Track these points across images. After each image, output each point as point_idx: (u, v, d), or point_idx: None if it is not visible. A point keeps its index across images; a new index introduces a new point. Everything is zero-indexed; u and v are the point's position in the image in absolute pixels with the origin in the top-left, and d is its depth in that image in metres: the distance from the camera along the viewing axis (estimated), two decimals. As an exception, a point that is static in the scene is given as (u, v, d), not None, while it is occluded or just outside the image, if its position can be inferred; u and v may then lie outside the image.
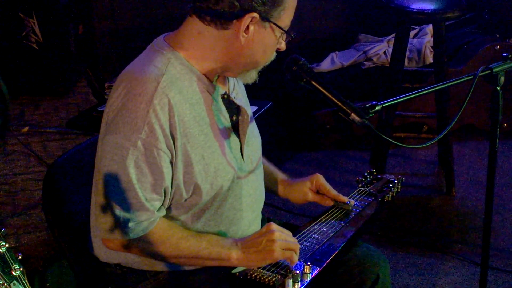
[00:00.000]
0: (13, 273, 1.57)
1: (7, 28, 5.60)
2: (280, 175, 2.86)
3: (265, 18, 2.29)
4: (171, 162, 2.31)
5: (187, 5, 2.36)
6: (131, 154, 2.24)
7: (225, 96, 2.45)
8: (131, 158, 2.25)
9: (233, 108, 2.47)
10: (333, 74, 5.69)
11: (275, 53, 2.43)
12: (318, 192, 2.80)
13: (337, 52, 5.86)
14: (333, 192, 2.79)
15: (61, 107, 5.69)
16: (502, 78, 2.74)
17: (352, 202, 2.79)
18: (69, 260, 2.63)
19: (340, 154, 5.50)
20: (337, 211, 2.76)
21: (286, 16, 2.34)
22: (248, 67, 2.41)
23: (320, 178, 2.80)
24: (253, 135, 2.58)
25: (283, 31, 2.35)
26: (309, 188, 2.79)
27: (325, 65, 5.74)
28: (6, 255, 1.57)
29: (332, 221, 2.69)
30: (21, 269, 1.58)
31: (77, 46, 5.76)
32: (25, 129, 5.25)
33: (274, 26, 2.32)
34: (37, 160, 4.89)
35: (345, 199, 2.78)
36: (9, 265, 1.57)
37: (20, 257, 1.59)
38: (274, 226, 2.40)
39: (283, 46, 2.41)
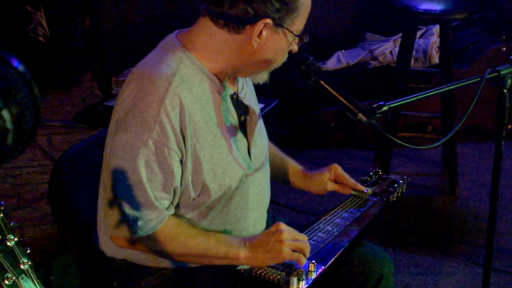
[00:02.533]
0: (22, 266, 1.58)
1: (15, 21, 5.60)
2: (300, 167, 2.89)
3: (278, 24, 2.29)
4: (181, 162, 2.31)
5: (198, 4, 2.36)
6: (142, 153, 2.25)
7: (234, 96, 2.46)
8: (142, 157, 2.25)
9: (241, 108, 2.48)
10: (338, 72, 5.69)
11: (286, 55, 2.43)
12: (336, 182, 2.83)
13: (343, 51, 5.85)
14: (352, 181, 2.83)
15: (66, 100, 5.70)
16: (510, 81, 2.74)
17: (370, 191, 2.85)
18: (74, 254, 2.63)
19: (344, 153, 5.50)
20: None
21: (299, 22, 2.35)
22: (259, 69, 2.42)
23: (338, 168, 2.83)
24: (259, 135, 2.58)
25: (296, 36, 2.36)
26: (328, 178, 2.82)
27: (331, 64, 5.74)
28: (14, 249, 1.57)
29: (337, 220, 2.70)
30: (29, 262, 1.59)
31: (83, 40, 5.76)
32: (31, 122, 5.25)
33: (287, 31, 2.32)
34: (42, 153, 4.90)
35: (362, 188, 2.83)
36: (18, 259, 1.58)
37: (28, 251, 1.60)
38: (282, 225, 2.40)
39: (295, 48, 2.42)
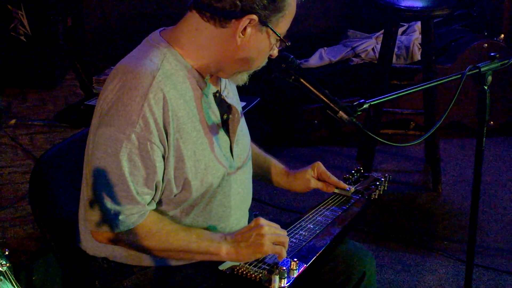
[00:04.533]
0: (0, 268, 1.57)
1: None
2: (282, 166, 2.90)
3: (263, 22, 2.30)
4: (163, 157, 2.31)
5: (187, 1, 2.36)
6: (125, 147, 2.24)
7: (217, 94, 2.46)
8: (124, 151, 2.25)
9: (224, 107, 2.48)
10: (321, 70, 5.70)
11: (266, 59, 2.43)
12: (319, 179, 2.85)
13: (325, 48, 5.86)
14: (334, 178, 2.84)
15: (48, 99, 5.67)
16: (490, 78, 2.75)
17: (352, 188, 2.86)
18: (56, 254, 2.62)
19: (327, 150, 5.51)
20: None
21: (283, 23, 2.35)
22: (240, 69, 2.42)
23: (321, 166, 2.85)
24: (242, 133, 2.59)
25: (278, 38, 2.36)
26: (311, 176, 2.84)
27: (314, 61, 5.74)
28: (-7, 251, 1.56)
29: (319, 218, 2.70)
30: (8, 264, 1.58)
31: (65, 38, 5.74)
32: (12, 121, 5.23)
33: (270, 31, 2.33)
34: (24, 153, 4.87)
35: (345, 185, 2.85)
36: (-4, 261, 1.56)
37: (7, 253, 1.59)
38: (262, 220, 2.41)
39: (275, 52, 2.42)
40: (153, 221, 2.38)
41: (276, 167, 2.90)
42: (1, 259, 1.56)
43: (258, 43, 2.34)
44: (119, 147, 2.25)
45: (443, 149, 5.10)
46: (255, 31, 2.32)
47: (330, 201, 2.82)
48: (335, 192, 2.86)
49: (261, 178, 2.90)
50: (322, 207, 2.78)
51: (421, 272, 4.11)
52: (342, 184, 2.85)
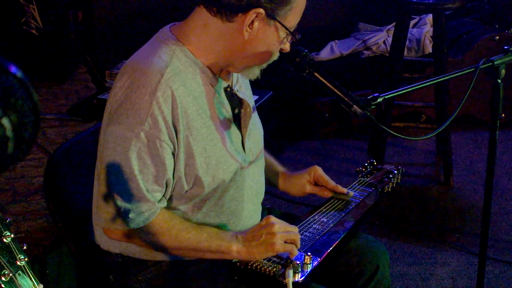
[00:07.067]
0: (18, 263, 1.57)
1: (7, 14, 5.59)
2: (280, 168, 2.87)
3: (270, 15, 2.28)
4: (173, 154, 2.31)
5: None
6: (134, 146, 2.24)
7: (228, 89, 2.45)
8: (133, 149, 2.25)
9: (235, 101, 2.47)
10: (332, 63, 5.69)
11: (278, 53, 2.41)
12: (316, 184, 2.81)
13: (336, 41, 5.86)
14: (332, 183, 2.79)
15: (60, 93, 5.69)
16: (503, 71, 2.73)
17: (351, 193, 2.80)
18: (70, 248, 2.63)
19: (339, 143, 5.51)
20: (337, 202, 2.76)
21: (292, 16, 2.33)
22: (250, 64, 2.40)
23: (318, 170, 2.80)
24: (254, 127, 2.58)
25: (287, 32, 2.35)
26: (307, 180, 2.80)
27: (325, 54, 5.74)
28: (11, 245, 1.57)
29: (333, 212, 2.69)
30: (26, 259, 1.58)
31: (76, 32, 5.75)
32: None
33: (279, 25, 2.30)
34: (37, 146, 4.89)
35: (343, 190, 2.79)
36: (14, 256, 1.57)
37: (25, 247, 1.59)
38: (273, 218, 2.40)
39: (287, 47, 2.40)
40: (164, 219, 2.38)
41: (274, 168, 2.87)
42: (20, 254, 1.57)
43: (266, 37, 2.32)
44: (128, 146, 2.25)
45: (454, 142, 5.10)
46: (263, 25, 2.30)
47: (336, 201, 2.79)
48: (333, 197, 2.80)
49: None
50: (335, 200, 2.77)
51: (433, 264, 4.11)
52: (340, 189, 2.78)
